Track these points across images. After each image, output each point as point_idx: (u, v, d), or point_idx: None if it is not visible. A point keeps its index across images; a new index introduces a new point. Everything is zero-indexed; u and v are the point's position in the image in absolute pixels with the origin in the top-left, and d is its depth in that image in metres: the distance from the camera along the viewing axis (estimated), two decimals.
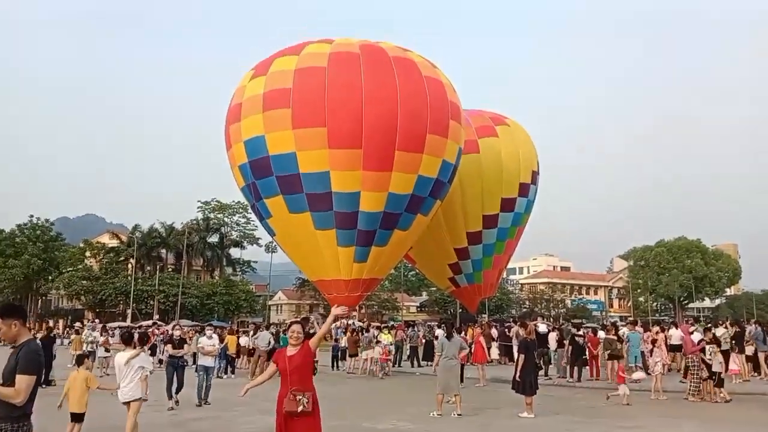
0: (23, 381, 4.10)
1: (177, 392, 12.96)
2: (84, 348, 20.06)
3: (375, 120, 15.64)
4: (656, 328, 19.57)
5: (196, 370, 13.81)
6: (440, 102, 16.79)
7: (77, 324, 31.15)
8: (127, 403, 8.81)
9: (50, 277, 68.64)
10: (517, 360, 12.01)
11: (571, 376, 17.34)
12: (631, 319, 46.50)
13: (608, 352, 16.64)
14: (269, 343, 20.02)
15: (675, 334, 18.26)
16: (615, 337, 17.29)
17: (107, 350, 19.36)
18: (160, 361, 21.22)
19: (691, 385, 13.69)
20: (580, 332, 18.41)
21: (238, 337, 21.60)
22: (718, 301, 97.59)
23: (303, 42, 17.58)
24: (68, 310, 71.91)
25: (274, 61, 16.98)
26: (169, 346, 13.89)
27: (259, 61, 17.78)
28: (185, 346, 13.94)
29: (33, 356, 4.21)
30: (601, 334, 20.18)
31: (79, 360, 9.67)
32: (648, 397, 14.01)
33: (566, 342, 18.94)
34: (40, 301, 79.45)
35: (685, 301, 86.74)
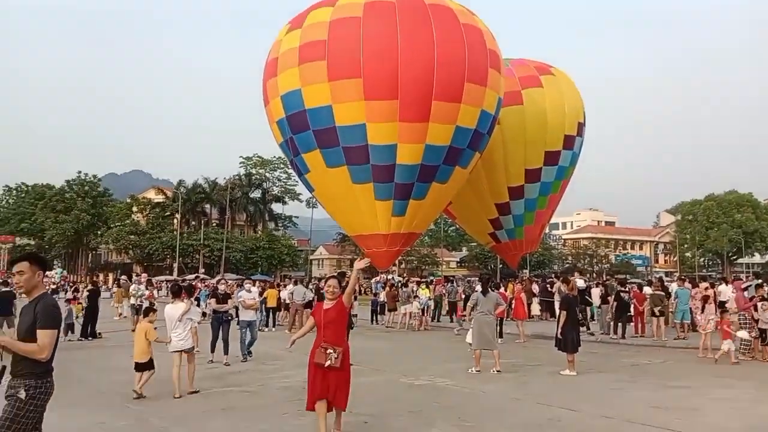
0: (46, 336, 4.03)
1: (225, 351, 12.57)
2: (133, 302, 20.48)
3: (411, 70, 15.33)
4: (705, 284, 18.81)
5: (237, 325, 13.66)
6: (478, 50, 16.30)
7: (122, 277, 31.95)
8: (178, 352, 9.39)
9: (99, 232, 70.69)
10: (559, 316, 11.73)
11: (615, 332, 16.92)
12: (679, 275, 45.56)
13: (657, 308, 16.15)
14: (304, 297, 20.39)
15: (724, 291, 17.57)
16: (662, 292, 16.78)
17: (152, 304, 19.33)
18: (204, 314, 21.71)
19: (741, 343, 13.16)
20: (626, 288, 17.86)
21: (279, 291, 21.73)
22: None
23: None
24: (117, 264, 74.13)
25: (309, 13, 16.77)
26: (213, 301, 13.45)
27: (296, 15, 17.54)
28: (229, 300, 13.43)
29: (52, 310, 4.15)
30: (647, 289, 19.66)
31: (145, 312, 10.14)
32: (695, 355, 13.53)
33: (611, 298, 18.51)
34: (90, 255, 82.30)
35: (734, 257, 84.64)
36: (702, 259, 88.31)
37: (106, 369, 12.19)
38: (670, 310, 17.42)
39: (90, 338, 17.22)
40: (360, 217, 17.22)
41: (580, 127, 22.17)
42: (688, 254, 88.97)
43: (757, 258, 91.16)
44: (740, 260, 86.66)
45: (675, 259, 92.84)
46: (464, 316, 15.47)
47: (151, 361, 9.24)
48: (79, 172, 73.36)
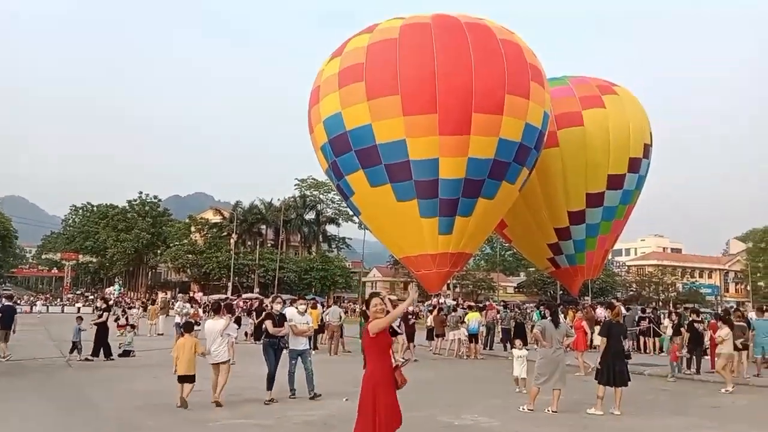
0: None
1: (269, 386, 10.43)
2: (178, 320, 20.05)
3: (449, 83, 15.18)
4: None
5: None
6: (518, 63, 15.97)
7: (161, 294, 32.03)
8: (216, 365, 10.32)
9: (158, 251, 72.21)
10: (600, 345, 10.66)
11: (689, 367, 15.36)
12: (752, 304, 42.62)
13: (740, 341, 14.48)
14: (340, 317, 20.23)
15: None
16: (744, 324, 15.07)
17: (197, 323, 18.93)
18: (246, 334, 21.27)
19: None
20: (700, 317, 16.23)
21: (322, 312, 20.84)
22: None
23: (378, 22, 17.47)
24: (176, 283, 75.49)
25: (349, 41, 17.15)
26: (269, 323, 10.85)
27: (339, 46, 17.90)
28: (286, 325, 10.86)
29: None
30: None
31: (188, 327, 11.00)
32: None
33: (683, 329, 16.97)
34: (150, 273, 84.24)
35: None
36: None
37: (123, 393, 11.53)
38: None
39: (105, 357, 16.71)
40: (406, 236, 16.71)
41: (647, 148, 20.84)
42: (761, 283, 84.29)
43: None
44: None
45: (747, 288, 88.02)
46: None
47: (194, 375, 10.06)
48: (140, 192, 75.45)
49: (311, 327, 11.68)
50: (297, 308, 11.44)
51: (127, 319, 20.50)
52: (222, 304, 12.99)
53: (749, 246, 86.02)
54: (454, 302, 35.97)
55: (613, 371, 10.02)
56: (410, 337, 18.78)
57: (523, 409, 10.09)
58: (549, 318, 10.91)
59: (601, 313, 19.44)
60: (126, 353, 17.40)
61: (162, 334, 24.57)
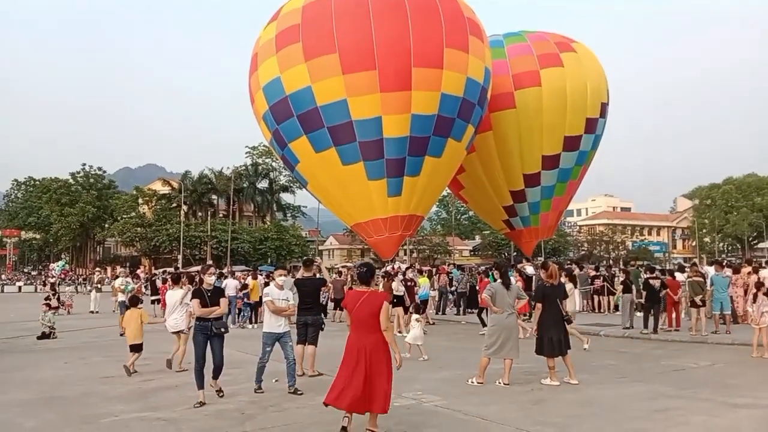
0: None
1: (215, 375, 8.43)
2: (122, 299, 18.73)
3: (386, 38, 14.87)
4: (748, 269, 16.90)
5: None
6: (455, 17, 15.72)
7: (97, 269, 30.86)
8: (176, 333, 10.70)
9: (105, 225, 69.86)
10: (535, 312, 9.73)
11: (646, 326, 15.24)
12: (696, 259, 43.89)
13: (698, 297, 14.35)
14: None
15: (767, 275, 15.76)
16: (702, 279, 14.93)
17: (140, 300, 17.77)
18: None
19: None
20: (655, 274, 16.03)
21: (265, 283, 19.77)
22: None
23: None
24: (125, 257, 73.34)
25: (285, 5, 16.72)
26: (196, 303, 8.35)
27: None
28: (222, 301, 8.52)
29: None
30: (680, 276, 17.95)
31: (134, 301, 11.53)
32: (747, 354, 11.58)
33: (633, 287, 16.90)
34: (100, 248, 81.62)
35: (755, 241, 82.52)
36: (721, 244, 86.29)
37: (18, 383, 10.07)
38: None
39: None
40: (355, 202, 16.29)
41: (604, 107, 20.50)
42: (707, 239, 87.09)
43: None
44: (760, 245, 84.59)
45: (693, 244, 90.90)
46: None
47: (142, 344, 10.65)
48: (84, 164, 72.52)
49: (293, 305, 9.11)
50: (278, 281, 9.13)
51: (58, 298, 19.20)
52: (180, 274, 13.28)
53: (695, 203, 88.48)
54: (410, 267, 35.50)
55: (551, 341, 9.16)
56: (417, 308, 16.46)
57: (472, 382, 9.18)
58: (499, 280, 9.76)
59: (530, 271, 18.88)
60: (45, 335, 15.95)
61: (96, 312, 23.45)
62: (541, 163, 19.71)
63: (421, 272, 22.18)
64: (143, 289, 19.04)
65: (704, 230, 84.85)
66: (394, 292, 15.65)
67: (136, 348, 10.57)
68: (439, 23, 15.28)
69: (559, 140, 19.50)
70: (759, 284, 12.21)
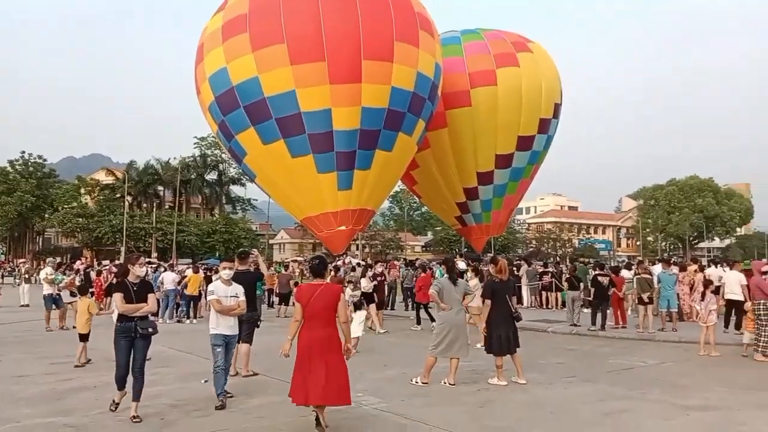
0: None
1: (136, 395, 7.05)
2: (50, 292, 17.29)
3: (336, 29, 14.56)
4: (694, 267, 17.13)
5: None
6: (405, 11, 15.54)
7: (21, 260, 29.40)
8: None
9: (45, 215, 67.05)
10: (483, 309, 9.34)
11: (594, 323, 15.24)
12: (641, 258, 44.73)
13: (646, 294, 14.37)
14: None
15: (714, 274, 15.98)
16: (650, 276, 14.99)
17: (72, 294, 15.80)
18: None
19: (762, 340, 10.92)
20: (604, 271, 16.07)
21: (206, 276, 18.96)
22: (728, 241, 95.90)
23: None
24: (66, 248, 70.56)
25: None
26: (119, 297, 7.18)
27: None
28: (150, 297, 7.35)
29: None
30: (627, 273, 18.10)
31: (81, 290, 11.71)
32: (694, 352, 11.62)
33: (582, 284, 16.94)
34: (39, 239, 78.30)
35: (695, 241, 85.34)
36: (664, 244, 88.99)
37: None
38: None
39: None
40: (304, 195, 15.87)
41: (557, 108, 20.71)
42: (650, 238, 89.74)
43: (716, 242, 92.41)
44: (701, 244, 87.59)
45: (638, 243, 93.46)
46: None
47: (88, 333, 10.60)
48: (23, 151, 69.15)
49: (242, 302, 7.84)
50: (223, 276, 7.98)
51: None
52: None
53: (639, 203, 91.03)
54: (363, 262, 35.01)
55: (500, 339, 8.87)
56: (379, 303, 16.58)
57: (416, 382, 8.77)
58: (446, 275, 9.39)
59: (462, 266, 18.73)
60: None
61: (27, 305, 22.14)
62: (494, 161, 19.79)
63: (367, 267, 21.77)
64: (77, 282, 17.88)
65: (648, 230, 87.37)
66: (364, 290, 14.95)
67: (83, 338, 10.56)
68: (389, 16, 15.07)
69: (512, 140, 19.60)
70: (707, 282, 12.26)
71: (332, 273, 15.43)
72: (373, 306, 15.55)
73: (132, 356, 7.13)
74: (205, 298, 17.29)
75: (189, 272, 19.19)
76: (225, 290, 7.81)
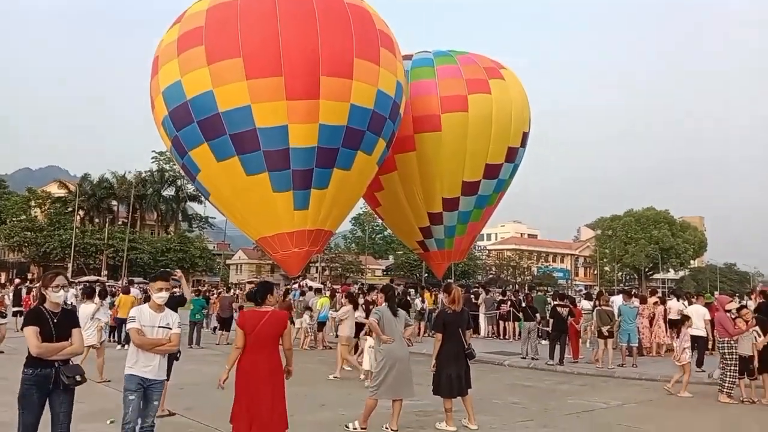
0: None
1: None
2: None
3: (294, 44, 14.19)
4: (654, 299, 16.86)
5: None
6: (367, 28, 15.29)
7: None
8: (88, 347, 10.42)
9: None
10: (435, 343, 8.35)
11: (552, 357, 14.77)
12: (600, 288, 44.89)
13: (606, 327, 13.96)
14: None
15: (674, 307, 15.77)
16: (611, 308, 14.58)
17: (2, 315, 15.07)
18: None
19: (727, 381, 10.44)
20: (564, 301, 15.63)
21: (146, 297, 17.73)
22: (681, 273, 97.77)
23: None
24: (13, 263, 67.70)
25: (190, 6, 15.96)
26: (30, 333, 5.20)
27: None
28: (75, 333, 5.50)
29: None
30: (585, 304, 17.76)
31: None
32: (659, 392, 11.12)
33: (539, 315, 16.56)
34: None
35: (650, 272, 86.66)
36: (620, 274, 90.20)
37: None
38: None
39: None
40: (259, 214, 15.31)
41: (525, 137, 20.67)
42: (607, 268, 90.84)
43: (671, 274, 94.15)
44: (656, 276, 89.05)
45: (595, 272, 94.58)
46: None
47: None
48: None
49: (174, 335, 5.98)
50: (153, 300, 6.04)
51: None
52: (96, 288, 13.05)
53: (597, 233, 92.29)
54: (322, 286, 34.14)
55: (450, 379, 7.96)
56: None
57: (354, 428, 7.79)
58: (385, 304, 8.26)
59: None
60: None
61: None
62: (461, 188, 19.61)
63: (318, 291, 20.98)
64: (6, 300, 16.70)
65: (605, 259, 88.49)
66: (357, 320, 13.84)
67: None
68: (349, 33, 14.76)
69: (480, 167, 19.46)
70: (684, 318, 11.83)
71: (283, 298, 14.71)
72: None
73: (52, 419, 5.28)
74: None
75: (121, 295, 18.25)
76: (152, 318, 5.94)
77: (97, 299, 11.98)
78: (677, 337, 11.45)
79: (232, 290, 22.92)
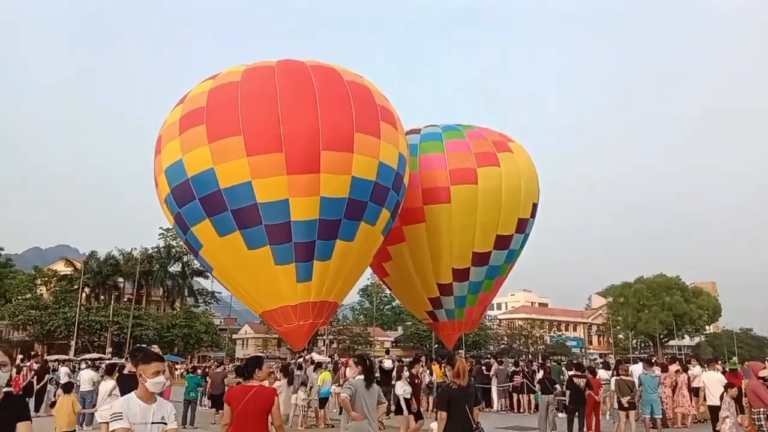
0: None
1: None
2: None
3: (294, 121, 14.41)
4: (675, 366, 16.14)
5: None
6: (366, 104, 15.53)
7: None
8: (105, 423, 9.36)
9: None
10: (439, 422, 7.59)
11: (570, 430, 14.02)
12: (644, 356, 43.46)
13: (626, 398, 13.24)
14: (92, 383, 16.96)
15: (697, 374, 15.02)
16: (631, 378, 13.90)
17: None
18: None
19: None
20: (583, 372, 14.93)
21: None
22: (697, 339, 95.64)
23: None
24: (17, 341, 66.89)
25: (192, 88, 16.44)
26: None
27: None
28: (22, 428, 4.22)
29: None
30: (603, 373, 17.04)
31: (66, 388, 12.16)
32: None
33: (558, 386, 15.83)
34: None
35: (665, 339, 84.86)
36: (635, 341, 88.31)
37: None
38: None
39: None
40: (262, 288, 15.10)
41: (534, 207, 20.68)
42: (620, 336, 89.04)
43: (686, 340, 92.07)
44: (671, 342, 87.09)
45: (609, 340, 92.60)
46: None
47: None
48: None
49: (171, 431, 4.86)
50: (146, 386, 4.84)
51: None
52: (117, 365, 13.05)
53: (609, 301, 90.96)
54: (329, 359, 33.18)
55: None
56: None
57: None
58: (360, 377, 7.69)
59: (387, 365, 16.55)
60: None
61: None
62: (471, 259, 19.45)
63: (318, 365, 19.97)
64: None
65: (618, 327, 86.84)
66: (402, 395, 12.84)
67: None
68: (349, 108, 15.00)
69: (491, 238, 19.36)
70: (731, 385, 11.11)
71: (279, 372, 14.22)
72: (410, 417, 12.79)
73: None
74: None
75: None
76: (144, 413, 4.70)
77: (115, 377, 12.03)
78: (724, 409, 10.70)
79: (223, 365, 22.18)
